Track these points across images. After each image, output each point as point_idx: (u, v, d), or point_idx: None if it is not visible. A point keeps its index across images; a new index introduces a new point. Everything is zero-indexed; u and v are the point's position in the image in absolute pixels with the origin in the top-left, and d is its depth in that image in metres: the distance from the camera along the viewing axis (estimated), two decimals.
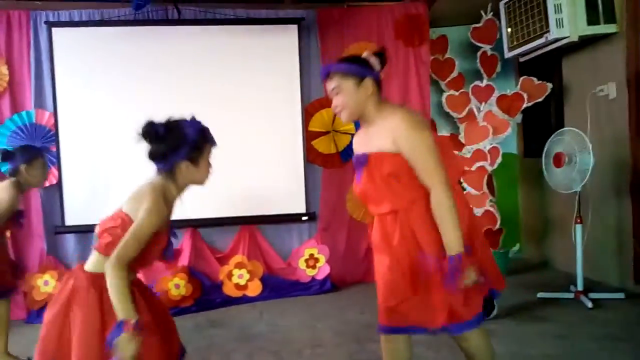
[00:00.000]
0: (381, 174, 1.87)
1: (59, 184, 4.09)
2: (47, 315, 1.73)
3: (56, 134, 4.06)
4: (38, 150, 3.04)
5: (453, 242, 1.78)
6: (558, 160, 3.72)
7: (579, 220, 3.78)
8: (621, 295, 3.68)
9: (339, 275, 4.51)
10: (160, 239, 1.76)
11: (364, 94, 1.89)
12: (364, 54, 1.95)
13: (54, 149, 4.06)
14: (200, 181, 1.85)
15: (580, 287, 3.75)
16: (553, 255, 4.87)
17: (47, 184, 4.04)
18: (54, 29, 4.08)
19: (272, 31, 4.39)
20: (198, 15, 4.35)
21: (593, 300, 3.59)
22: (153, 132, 1.72)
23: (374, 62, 1.92)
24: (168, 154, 1.74)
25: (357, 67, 1.90)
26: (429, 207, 1.83)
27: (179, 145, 1.74)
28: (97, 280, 1.67)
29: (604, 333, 3.10)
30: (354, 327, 3.46)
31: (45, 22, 4.08)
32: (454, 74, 4.79)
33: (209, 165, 1.85)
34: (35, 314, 3.95)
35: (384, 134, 1.86)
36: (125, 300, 1.59)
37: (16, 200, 2.85)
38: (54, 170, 4.06)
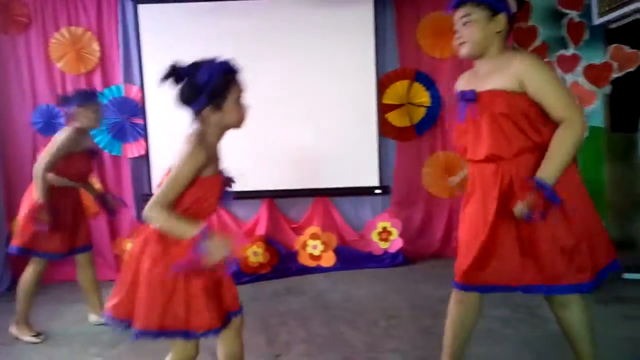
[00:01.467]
0: (492, 112, 1.79)
1: (146, 155, 4.34)
2: (122, 268, 1.84)
3: (143, 107, 4.29)
4: (91, 93, 3.16)
5: (552, 175, 1.71)
6: None
7: None
8: None
9: (413, 249, 4.52)
10: (210, 184, 1.76)
11: (493, 30, 1.82)
12: None
13: (142, 122, 4.30)
14: (233, 125, 1.78)
15: None
16: None
17: (135, 154, 4.32)
18: (139, 6, 4.26)
19: (347, 1, 4.35)
20: None
21: None
22: (173, 76, 1.72)
23: (512, 2, 1.83)
24: (190, 99, 1.71)
25: (494, 0, 1.81)
26: (538, 159, 1.75)
27: (198, 91, 1.69)
28: (162, 234, 1.72)
29: None
30: (428, 301, 3.48)
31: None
32: (537, 42, 4.54)
33: (239, 108, 1.77)
34: None
35: (506, 72, 1.78)
36: (179, 225, 1.66)
37: (73, 141, 2.99)
38: (142, 142, 4.31)
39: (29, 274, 3.06)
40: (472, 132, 1.86)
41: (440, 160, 4.53)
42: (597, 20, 4.22)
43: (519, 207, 1.74)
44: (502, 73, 1.79)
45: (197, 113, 1.74)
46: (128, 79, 4.35)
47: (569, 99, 1.75)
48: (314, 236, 4.41)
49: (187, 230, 1.66)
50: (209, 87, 1.68)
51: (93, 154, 3.20)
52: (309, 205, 4.57)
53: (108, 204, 3.28)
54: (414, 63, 4.48)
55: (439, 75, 4.45)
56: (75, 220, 3.15)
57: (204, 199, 1.76)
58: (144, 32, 4.27)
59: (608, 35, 4.64)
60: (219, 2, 4.26)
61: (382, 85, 4.45)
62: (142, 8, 4.27)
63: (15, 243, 3.01)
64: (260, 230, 4.38)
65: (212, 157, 1.78)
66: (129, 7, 4.30)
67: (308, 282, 4.10)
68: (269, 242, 4.33)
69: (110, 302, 1.79)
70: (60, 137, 2.98)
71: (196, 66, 1.71)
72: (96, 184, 4.24)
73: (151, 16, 4.27)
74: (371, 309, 3.41)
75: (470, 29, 1.83)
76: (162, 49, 4.26)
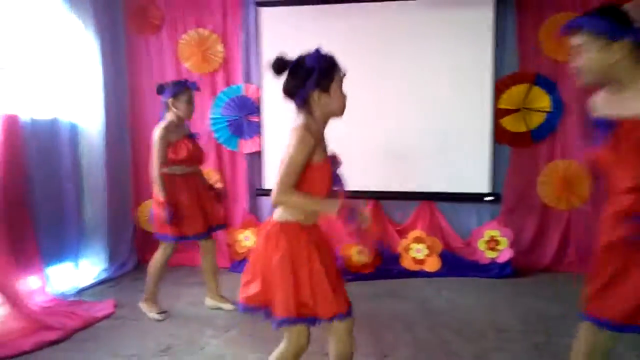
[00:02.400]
0: (633, 142, 1.63)
1: (260, 151, 4.55)
2: (248, 262, 1.95)
3: (259, 106, 4.50)
4: (184, 84, 3.32)
5: None
6: None
7: None
8: None
9: (523, 261, 4.32)
10: (321, 169, 1.84)
11: (611, 59, 1.65)
12: (626, 5, 1.65)
13: (258, 119, 4.51)
14: (337, 111, 1.87)
15: None
16: None
17: (253, 150, 4.54)
18: (261, 9, 4.47)
19: (466, 2, 4.25)
20: None
21: None
22: (281, 65, 1.82)
23: (637, 14, 1.63)
24: (298, 85, 1.81)
25: (610, 26, 1.63)
26: None
27: (306, 75, 1.79)
28: (285, 227, 1.86)
29: None
30: (540, 317, 3.32)
31: (254, 2, 4.48)
32: None
33: (342, 94, 1.86)
34: (237, 265, 4.49)
35: None
36: (315, 202, 1.82)
37: (169, 131, 3.19)
38: (257, 139, 4.53)
39: (160, 255, 3.34)
40: (611, 161, 1.71)
41: (559, 169, 4.28)
42: None
43: None
44: None
45: (303, 103, 1.84)
46: (248, 78, 4.57)
47: None
48: (417, 239, 4.36)
49: (323, 205, 1.81)
50: (319, 68, 1.79)
51: (192, 137, 3.38)
52: (414, 208, 4.53)
53: (217, 194, 3.50)
54: (534, 66, 4.27)
55: (562, 79, 4.21)
56: (203, 203, 3.35)
57: (316, 184, 1.85)
58: (264, 33, 4.46)
59: None
60: (339, 5, 4.34)
61: (498, 89, 4.29)
62: (264, 11, 4.46)
63: (156, 230, 3.30)
64: None
65: (320, 144, 1.87)
66: (252, 10, 4.52)
67: (410, 286, 4.06)
68: (373, 242, 4.35)
69: (243, 294, 1.91)
70: (155, 136, 3.21)
71: (302, 56, 1.84)
72: (214, 175, 4.54)
73: (272, 18, 4.45)
74: (479, 320, 3.32)
75: (584, 60, 1.68)
76: (281, 50, 4.40)
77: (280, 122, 4.44)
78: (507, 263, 4.24)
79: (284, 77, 1.86)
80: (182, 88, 3.28)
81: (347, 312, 1.91)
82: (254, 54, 4.54)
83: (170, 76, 4.63)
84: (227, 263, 4.55)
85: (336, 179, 1.93)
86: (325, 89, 1.82)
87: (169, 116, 3.27)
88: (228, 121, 4.55)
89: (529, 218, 4.39)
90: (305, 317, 1.84)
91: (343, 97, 1.87)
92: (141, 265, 4.36)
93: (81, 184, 4.10)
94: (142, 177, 4.43)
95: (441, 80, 4.32)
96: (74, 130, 4.03)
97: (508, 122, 4.34)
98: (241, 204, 4.64)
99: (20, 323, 3.07)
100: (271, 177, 4.50)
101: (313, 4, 4.39)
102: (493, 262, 4.30)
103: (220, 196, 3.53)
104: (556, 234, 4.33)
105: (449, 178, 4.39)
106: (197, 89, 3.38)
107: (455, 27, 4.28)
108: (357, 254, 4.24)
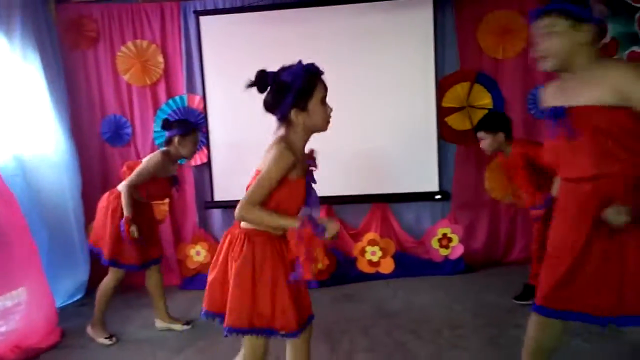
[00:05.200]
0: (589, 130, 1.67)
1: (208, 163, 4.45)
2: (210, 272, 1.89)
3: (205, 116, 4.40)
4: (194, 125, 3.29)
5: None
6: None
7: None
8: None
9: (474, 256, 4.40)
10: (296, 186, 1.82)
11: (579, 41, 1.68)
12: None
13: (204, 131, 4.41)
14: (319, 127, 1.84)
15: None
16: None
17: (198, 162, 4.43)
18: (201, 18, 4.37)
19: (406, 4, 4.29)
20: None
21: None
22: (260, 82, 1.78)
23: (601, 10, 1.69)
24: (276, 103, 1.77)
25: (579, 8, 1.68)
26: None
27: (283, 93, 1.75)
28: (250, 235, 1.81)
29: None
30: (493, 311, 3.38)
31: (194, 12, 4.38)
32: (607, 39, 4.33)
33: (324, 109, 1.82)
34: (188, 281, 4.37)
35: (602, 85, 1.65)
36: (277, 218, 1.74)
37: (161, 166, 3.13)
38: (205, 150, 4.42)
39: (109, 280, 3.21)
40: (567, 150, 1.74)
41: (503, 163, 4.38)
42: None
43: (614, 212, 1.60)
44: (597, 85, 1.66)
45: (284, 117, 1.80)
46: (191, 89, 4.47)
47: None
48: (372, 242, 4.37)
49: (286, 220, 1.74)
50: (295, 87, 1.74)
51: (175, 181, 3.33)
52: (366, 211, 4.54)
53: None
54: (474, 64, 4.36)
55: (502, 76, 4.32)
56: (150, 234, 3.28)
57: (289, 200, 1.81)
58: (205, 42, 4.37)
59: None
60: (278, 11, 4.30)
61: (442, 88, 4.36)
62: (204, 19, 4.37)
63: (105, 255, 3.15)
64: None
65: (299, 161, 1.83)
66: (191, 18, 4.42)
67: (367, 289, 4.06)
68: (328, 248, 4.33)
69: (205, 299, 1.87)
70: (151, 161, 3.12)
71: (282, 70, 1.78)
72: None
73: (212, 27, 4.36)
74: (434, 318, 3.34)
75: (552, 41, 1.71)
76: (224, 59, 4.34)
77: (227, 131, 4.37)
78: (459, 259, 4.31)
79: (254, 89, 1.82)
80: (193, 129, 3.24)
81: (304, 325, 1.89)
82: (196, 64, 4.44)
83: (109, 90, 4.49)
84: (178, 280, 4.42)
85: (310, 200, 1.90)
86: (303, 107, 1.77)
87: (171, 149, 3.20)
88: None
89: (479, 213, 4.47)
90: (260, 328, 1.79)
91: (325, 112, 1.83)
92: (89, 289, 4.16)
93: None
94: (86, 194, 4.23)
95: (385, 82, 4.34)
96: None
97: (453, 120, 4.41)
98: (191, 218, 4.52)
99: None
100: (220, 188, 4.44)
101: (254, 11, 4.33)
102: (446, 259, 4.36)
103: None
104: (505, 227, 4.43)
105: (400, 179, 4.41)
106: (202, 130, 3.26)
107: (397, 28, 4.30)
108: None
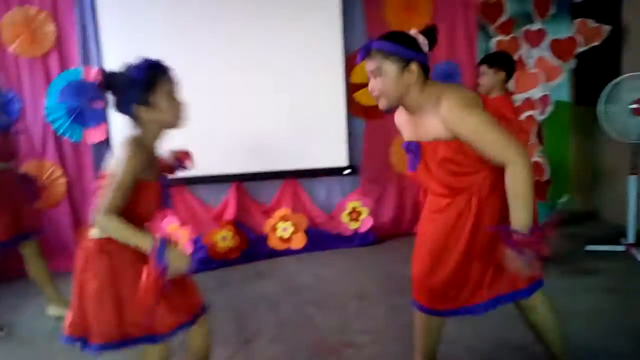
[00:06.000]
0: (437, 161, 1.77)
1: (108, 139, 4.20)
2: (72, 289, 1.75)
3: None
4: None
5: (525, 219, 1.65)
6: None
7: (633, 172, 3.64)
8: None
9: (383, 228, 4.54)
10: (149, 188, 1.74)
11: (407, 80, 1.70)
12: (412, 32, 1.73)
13: (102, 105, 4.15)
14: (170, 122, 1.74)
15: (631, 240, 3.65)
16: (603, 206, 4.73)
17: (97, 139, 4.17)
18: None
19: None
20: None
21: None
22: (105, 82, 1.70)
23: (423, 42, 1.71)
24: (120, 101, 1.70)
25: (403, 49, 1.68)
26: (493, 185, 1.77)
27: (125, 91, 1.67)
28: (104, 245, 1.68)
29: None
30: (397, 280, 3.50)
31: None
32: (504, 17, 4.53)
33: (174, 104, 1.73)
34: None
35: (435, 121, 1.70)
36: (133, 234, 1.61)
37: None
38: (104, 126, 4.16)
39: None
40: (425, 177, 1.85)
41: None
42: None
43: (518, 263, 1.67)
44: (435, 122, 1.71)
45: (130, 114, 1.71)
46: (86, 60, 4.16)
47: (504, 140, 1.65)
48: (283, 218, 4.37)
49: (142, 240, 1.61)
50: (135, 82, 1.66)
51: (5, 130, 2.99)
52: (278, 187, 4.52)
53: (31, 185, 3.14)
54: None
55: None
56: (14, 206, 2.93)
57: (142, 204, 1.71)
58: (102, 10, 4.07)
59: (573, 9, 4.65)
60: None
61: (350, 64, 4.39)
62: None
63: None
64: (229, 214, 4.31)
65: (151, 161, 1.74)
66: None
67: (278, 266, 4.07)
68: (238, 226, 4.27)
69: (67, 321, 1.75)
70: None
71: (124, 67, 1.69)
72: (57, 171, 4.13)
73: None
74: (341, 291, 3.41)
75: (381, 83, 1.72)
76: (122, 28, 4.07)
77: None
78: (368, 232, 4.43)
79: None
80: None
81: (194, 317, 1.83)
82: (92, 34, 4.13)
83: None
84: None
85: (165, 202, 1.82)
86: (149, 104, 1.68)
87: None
88: (67, 109, 4.12)
89: (386, 187, 4.60)
90: (138, 336, 1.70)
91: (175, 107, 1.73)
92: None
93: None
94: None
95: (293, 59, 4.29)
96: None
97: (361, 96, 4.47)
98: (90, 198, 4.27)
99: None
100: None
101: None
102: (356, 233, 4.45)
103: (36, 193, 3.17)
104: (411, 199, 4.59)
105: (310, 155, 4.43)
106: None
107: (304, 4, 4.26)
108: (222, 240, 4.14)
